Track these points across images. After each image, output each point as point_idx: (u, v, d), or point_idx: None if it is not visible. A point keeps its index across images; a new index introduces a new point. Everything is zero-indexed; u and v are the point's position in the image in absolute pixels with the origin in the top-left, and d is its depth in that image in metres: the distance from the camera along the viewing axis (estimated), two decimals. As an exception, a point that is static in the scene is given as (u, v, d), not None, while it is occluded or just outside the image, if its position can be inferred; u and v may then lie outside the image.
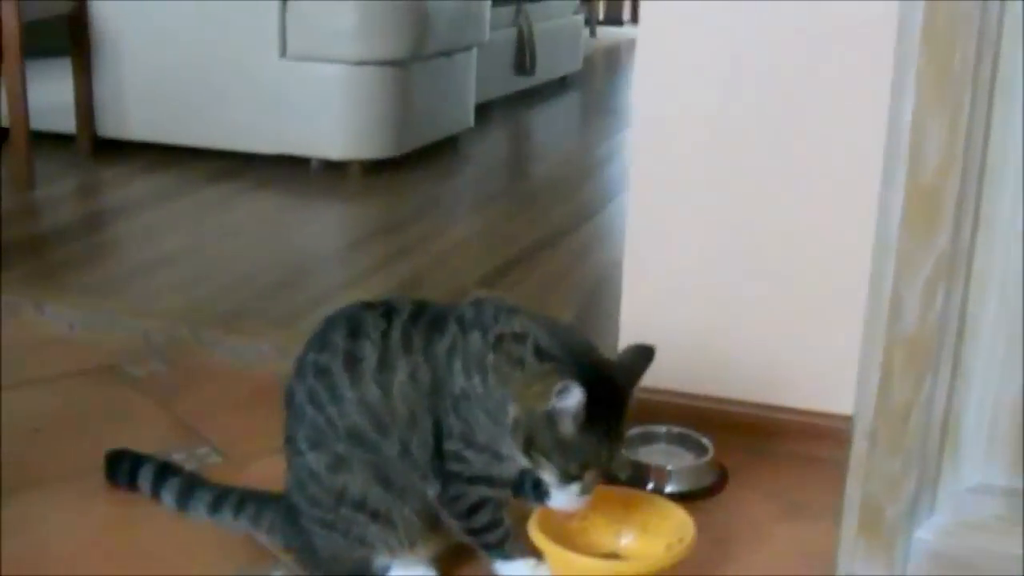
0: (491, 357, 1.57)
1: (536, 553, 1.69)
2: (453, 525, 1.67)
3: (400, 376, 1.59)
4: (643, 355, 1.60)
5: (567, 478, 1.57)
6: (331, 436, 1.60)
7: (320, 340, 1.64)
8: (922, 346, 1.25)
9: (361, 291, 2.81)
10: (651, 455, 2.04)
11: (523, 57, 5.61)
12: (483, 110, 4.93)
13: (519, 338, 1.57)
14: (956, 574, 1.30)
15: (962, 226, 1.23)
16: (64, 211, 3.63)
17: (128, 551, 1.78)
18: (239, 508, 1.80)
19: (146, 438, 1.99)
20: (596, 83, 6.99)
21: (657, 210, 2.18)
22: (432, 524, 1.66)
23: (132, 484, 1.91)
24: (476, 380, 1.57)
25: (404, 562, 1.67)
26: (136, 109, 4.15)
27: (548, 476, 1.59)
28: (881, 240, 1.25)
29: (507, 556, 1.68)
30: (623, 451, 1.92)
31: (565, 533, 1.68)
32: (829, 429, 2.13)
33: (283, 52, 3.99)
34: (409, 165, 4.24)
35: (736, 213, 2.13)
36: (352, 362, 1.60)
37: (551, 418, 1.51)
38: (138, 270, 3.06)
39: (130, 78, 4.12)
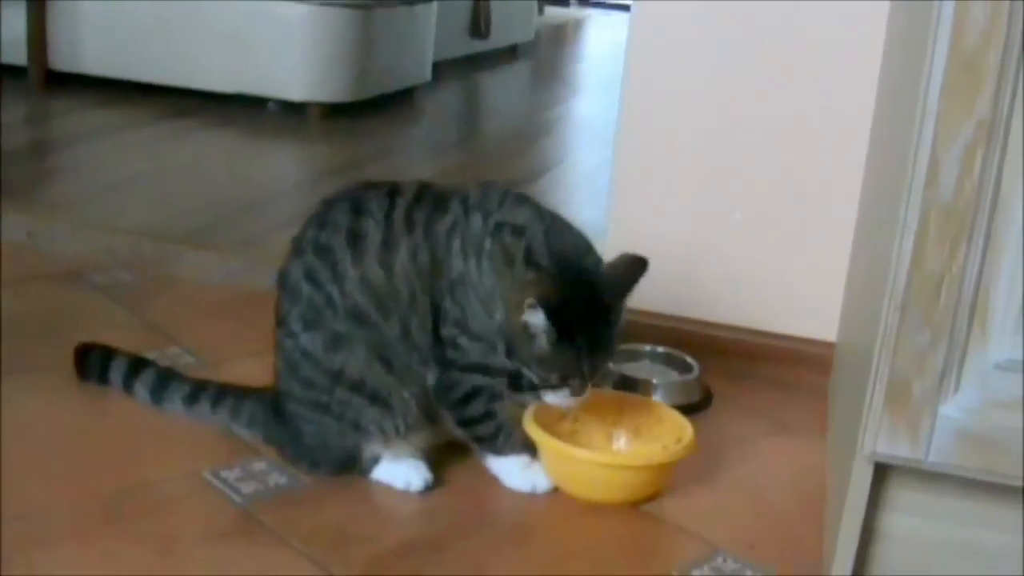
0: (488, 243, 1.53)
1: (529, 451, 1.65)
2: (447, 416, 1.63)
3: (402, 256, 1.55)
4: (635, 265, 1.56)
5: (548, 386, 1.54)
6: (329, 315, 1.55)
7: (321, 218, 1.59)
8: (957, 213, 1.22)
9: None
10: (636, 371, 2.01)
11: (478, 20, 5.56)
12: (438, 69, 4.88)
13: (517, 231, 1.54)
14: (980, 453, 1.28)
15: (1002, 95, 1.20)
16: (15, 137, 3.51)
17: (100, 443, 1.71)
18: (217, 402, 1.74)
19: (115, 340, 1.89)
20: (545, 54, 6.97)
21: (647, 133, 2.15)
22: (428, 414, 1.61)
23: (103, 378, 1.84)
24: (472, 264, 1.54)
25: (395, 452, 1.62)
26: (90, 42, 4.03)
27: (533, 380, 1.55)
28: (920, 106, 1.22)
29: (499, 451, 1.64)
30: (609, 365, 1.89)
31: (557, 435, 1.65)
32: (813, 355, 2.12)
33: (245, -12, 3.90)
34: (367, 112, 4.18)
35: (726, 137, 2.11)
36: (355, 239, 1.55)
37: (527, 330, 1.48)
38: (96, 191, 2.96)
39: (85, 10, 4.01)
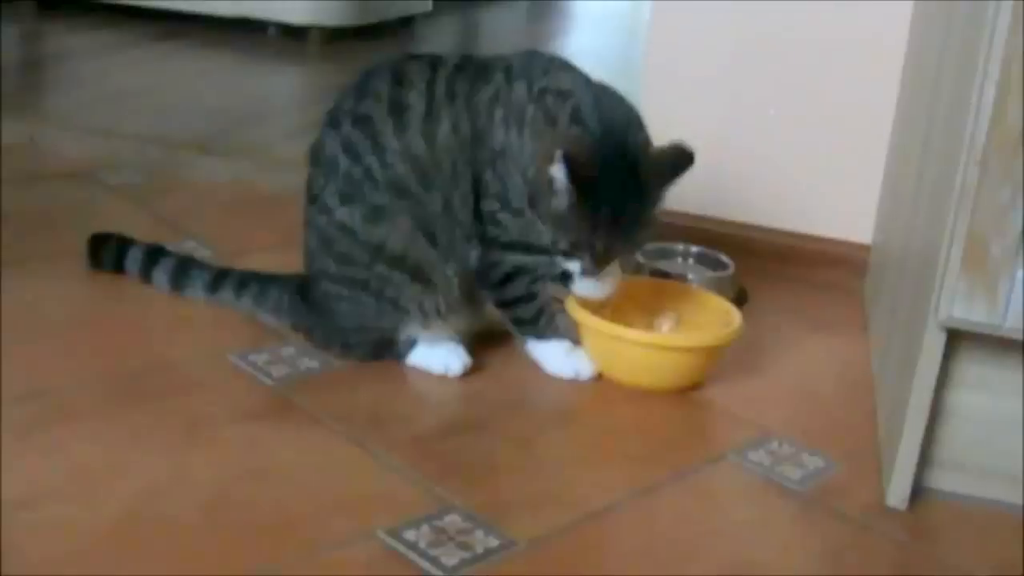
0: (531, 109, 1.46)
1: (572, 338, 1.59)
2: (487, 297, 1.55)
3: (444, 127, 1.47)
4: (682, 157, 1.47)
5: (557, 250, 1.46)
6: (369, 188, 1.47)
7: (360, 88, 1.51)
8: (1044, 63, 1.16)
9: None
10: (670, 268, 1.94)
11: (478, -46, 5.45)
12: (437, 2, 4.78)
13: (562, 95, 1.46)
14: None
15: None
16: (10, 55, 3.40)
17: (119, 325, 1.64)
18: (241, 288, 1.67)
19: (127, 233, 1.81)
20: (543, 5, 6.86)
21: (680, 27, 2.08)
22: (468, 295, 1.54)
23: (119, 267, 1.76)
24: (514, 134, 1.46)
25: (433, 335, 1.54)
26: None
27: (545, 240, 1.48)
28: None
29: (540, 334, 1.57)
30: (637, 256, 1.82)
31: (597, 322, 1.57)
32: (847, 256, 2.06)
33: (247, -92, 3.79)
34: (368, 39, 4.08)
35: (760, 37, 2.03)
36: (397, 110, 1.47)
37: (550, 182, 1.40)
38: (97, 101, 2.86)
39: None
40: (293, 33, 3.89)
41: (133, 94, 2.99)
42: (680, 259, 2.00)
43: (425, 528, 1.19)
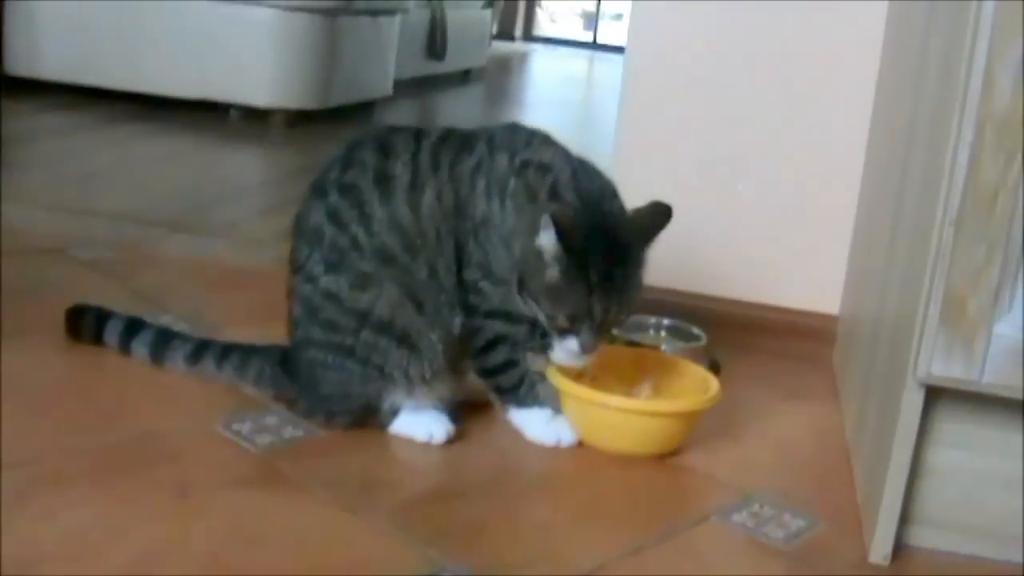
0: (512, 182, 1.50)
1: (553, 405, 1.61)
2: (469, 365, 1.58)
3: (428, 196, 1.50)
4: (660, 213, 1.53)
5: (555, 328, 1.49)
6: (355, 256, 1.50)
7: (346, 159, 1.54)
8: (1012, 126, 1.21)
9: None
10: (644, 339, 1.98)
11: (435, 41, 5.56)
12: (396, 87, 4.86)
13: (543, 169, 1.51)
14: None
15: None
16: (-28, 135, 3.42)
17: (101, 397, 1.63)
18: (222, 359, 1.67)
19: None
20: (496, 80, 7.00)
21: (649, 109, 2.13)
22: (452, 363, 1.56)
23: (98, 339, 1.76)
24: (496, 205, 1.50)
25: (417, 402, 1.56)
26: (49, 46, 3.95)
27: (543, 322, 1.51)
28: (971, 27, 1.21)
29: (521, 402, 1.60)
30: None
31: (577, 390, 1.60)
32: (816, 327, 2.11)
33: (211, -9, 3.85)
34: (330, 122, 4.14)
35: (728, 114, 2.10)
36: (383, 180, 1.50)
37: (539, 256, 1.43)
38: (66, 180, 2.88)
39: (43, 12, 3.92)
40: (255, 115, 3.93)
41: (100, 174, 3.01)
42: (652, 331, 2.03)
43: (420, 589, 1.20)
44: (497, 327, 1.54)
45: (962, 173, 1.23)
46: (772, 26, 2.06)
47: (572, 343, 1.50)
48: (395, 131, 1.56)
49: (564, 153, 1.54)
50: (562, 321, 1.48)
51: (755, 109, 2.08)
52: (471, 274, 1.52)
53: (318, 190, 1.54)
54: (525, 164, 1.51)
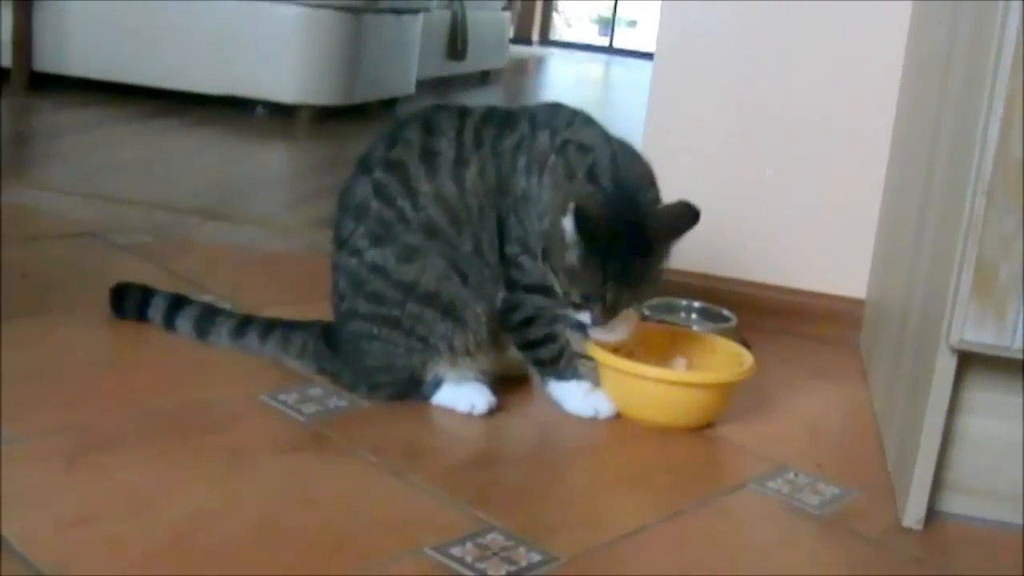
0: (552, 159, 1.53)
1: (591, 379, 1.65)
2: (511, 339, 1.62)
3: (472, 171, 1.55)
4: (686, 214, 1.55)
5: (569, 301, 1.53)
6: (401, 229, 1.54)
7: (392, 137, 1.59)
8: (1045, 98, 1.25)
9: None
10: (675, 321, 2.01)
11: (456, 42, 5.60)
12: (418, 86, 4.90)
13: (584, 149, 1.54)
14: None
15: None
16: (5, 129, 3.46)
17: (147, 369, 1.68)
18: (265, 334, 1.71)
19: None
20: (514, 81, 7.03)
21: (679, 95, 2.18)
22: (494, 336, 1.60)
23: (142, 316, 1.80)
24: (535, 180, 1.54)
25: (460, 373, 1.60)
26: (76, 43, 4.00)
27: (558, 292, 1.55)
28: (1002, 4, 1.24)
29: (560, 375, 1.63)
30: (644, 310, 1.89)
31: (613, 365, 1.64)
32: (842, 311, 2.14)
33: (239, -11, 3.90)
34: (354, 118, 4.18)
35: (758, 97, 2.14)
36: (429, 156, 1.55)
37: (563, 237, 1.48)
38: (98, 170, 2.93)
39: (72, 11, 3.98)
40: (281, 111, 3.98)
41: (130, 166, 3.06)
42: (684, 313, 2.07)
43: (469, 545, 1.23)
44: (537, 301, 1.58)
45: (992, 147, 1.26)
46: (798, 13, 2.09)
47: (584, 316, 1.54)
48: (440, 109, 1.60)
49: (604, 134, 1.58)
50: (575, 298, 1.52)
51: (780, 95, 2.12)
52: (512, 249, 1.56)
53: (363, 166, 1.58)
54: (566, 143, 1.55)
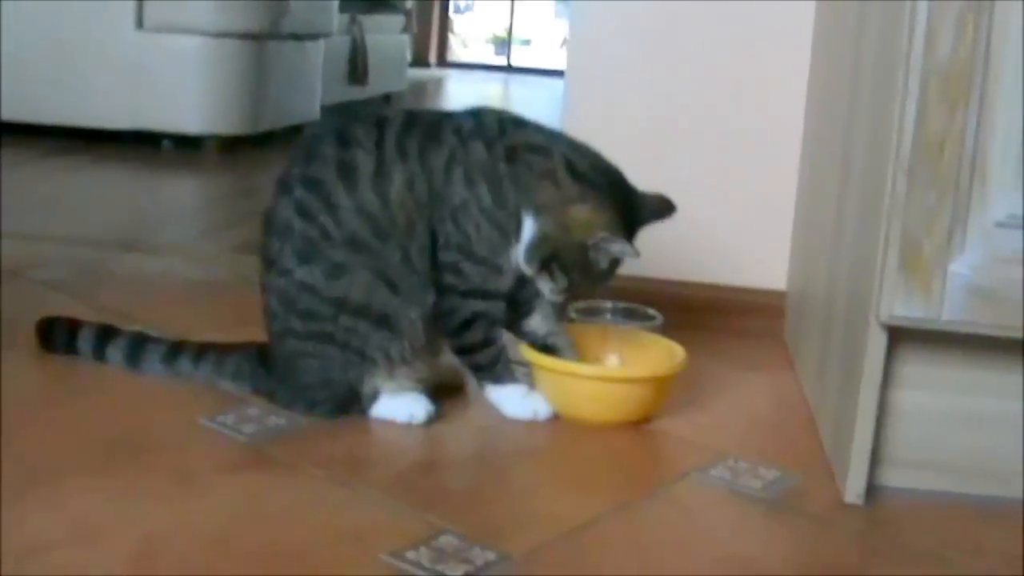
0: (503, 167, 1.55)
1: (528, 382, 1.66)
2: (448, 344, 1.63)
3: (397, 184, 1.55)
4: (667, 206, 1.64)
5: (565, 293, 1.56)
6: (326, 246, 1.54)
7: (306, 154, 1.59)
8: (955, 77, 1.30)
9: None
10: (601, 323, 2.03)
11: (356, 66, 5.60)
12: (321, 112, 4.89)
13: (542, 151, 1.57)
14: (988, 307, 1.33)
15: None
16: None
17: (83, 401, 1.65)
18: (198, 358, 1.71)
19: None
20: (416, 104, 7.05)
21: (595, 86, 2.20)
22: (431, 341, 1.61)
23: (71, 349, 1.78)
24: (483, 190, 1.55)
25: (397, 384, 1.60)
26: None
27: (548, 286, 1.58)
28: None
29: (498, 379, 1.64)
30: (570, 312, 1.92)
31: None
32: (765, 304, 2.18)
33: (139, 24, 3.86)
34: (263, 146, 4.16)
35: (669, 95, 2.18)
36: (347, 171, 1.55)
37: (589, 249, 1.54)
38: (12, 210, 2.86)
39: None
40: (188, 143, 3.94)
41: (41, 203, 3.02)
42: (609, 315, 2.08)
43: (424, 549, 1.24)
44: (475, 306, 1.59)
45: (911, 124, 1.30)
46: (704, 10, 2.13)
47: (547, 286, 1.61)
48: (354, 120, 1.60)
49: (539, 128, 1.62)
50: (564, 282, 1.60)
51: (691, 92, 2.16)
52: (450, 255, 1.56)
53: (284, 186, 1.58)
54: (512, 150, 1.57)
